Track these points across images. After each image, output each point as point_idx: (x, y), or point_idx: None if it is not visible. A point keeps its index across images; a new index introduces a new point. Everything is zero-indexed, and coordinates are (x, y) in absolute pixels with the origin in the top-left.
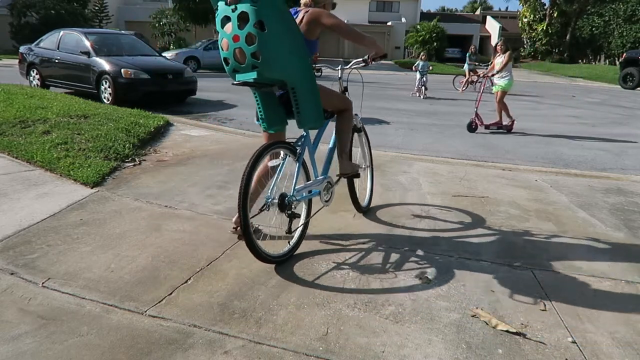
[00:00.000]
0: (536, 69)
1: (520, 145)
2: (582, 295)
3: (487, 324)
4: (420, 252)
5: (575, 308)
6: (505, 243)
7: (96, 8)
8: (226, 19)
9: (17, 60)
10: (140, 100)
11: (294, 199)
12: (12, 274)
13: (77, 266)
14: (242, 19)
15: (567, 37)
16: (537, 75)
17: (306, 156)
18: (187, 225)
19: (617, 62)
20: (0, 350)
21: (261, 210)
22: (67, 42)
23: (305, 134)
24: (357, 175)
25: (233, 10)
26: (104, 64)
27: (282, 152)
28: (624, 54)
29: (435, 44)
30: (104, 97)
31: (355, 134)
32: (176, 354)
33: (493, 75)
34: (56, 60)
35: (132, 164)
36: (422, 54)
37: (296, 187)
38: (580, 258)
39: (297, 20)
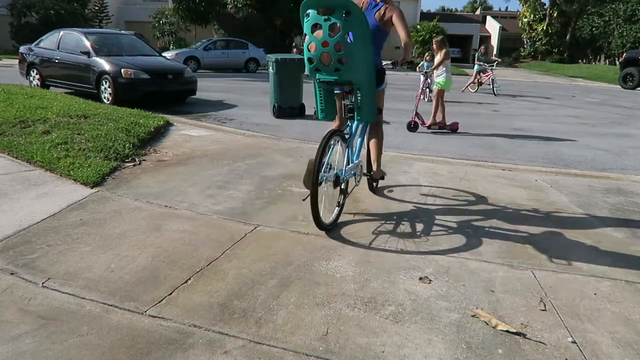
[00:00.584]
0: (536, 69)
1: (520, 145)
2: (582, 295)
3: (487, 324)
4: (419, 253)
5: (575, 308)
6: (505, 243)
7: (96, 8)
8: (316, 26)
9: (17, 60)
10: (140, 100)
11: (345, 177)
12: (12, 274)
13: (77, 266)
14: (332, 28)
15: (567, 37)
16: (537, 75)
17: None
18: (187, 225)
19: (617, 62)
20: (0, 350)
21: (320, 183)
22: (67, 42)
23: (350, 125)
24: (382, 179)
25: (325, 20)
26: (104, 64)
27: (338, 138)
28: (624, 54)
29: None
30: (104, 97)
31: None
32: (176, 354)
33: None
34: (56, 60)
35: (132, 164)
36: (426, 54)
37: (345, 168)
38: (580, 258)
39: (379, 13)
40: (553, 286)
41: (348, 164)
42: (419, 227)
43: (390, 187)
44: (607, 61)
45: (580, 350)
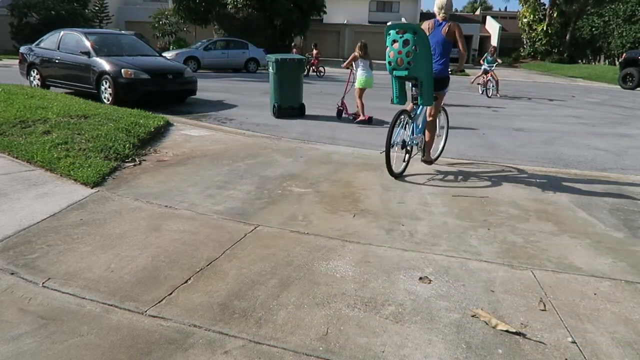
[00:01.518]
0: (536, 69)
1: (520, 145)
2: (582, 295)
3: (487, 324)
4: (419, 253)
5: (575, 308)
6: (505, 243)
7: (96, 8)
8: (394, 41)
9: (17, 61)
10: (140, 100)
11: (411, 143)
12: (12, 274)
13: (77, 266)
14: (405, 42)
15: (567, 37)
16: (536, 76)
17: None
18: (187, 225)
19: (617, 62)
20: (0, 350)
21: (393, 145)
22: (67, 42)
23: (416, 108)
24: (431, 163)
25: (400, 37)
26: (104, 64)
27: (405, 117)
28: (624, 54)
29: None
30: (104, 97)
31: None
32: (176, 354)
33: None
34: (56, 61)
35: (132, 164)
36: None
37: (411, 137)
38: (580, 258)
39: (444, 30)
40: (553, 286)
41: (412, 134)
42: (419, 227)
43: (390, 187)
44: (606, 61)
45: (580, 350)
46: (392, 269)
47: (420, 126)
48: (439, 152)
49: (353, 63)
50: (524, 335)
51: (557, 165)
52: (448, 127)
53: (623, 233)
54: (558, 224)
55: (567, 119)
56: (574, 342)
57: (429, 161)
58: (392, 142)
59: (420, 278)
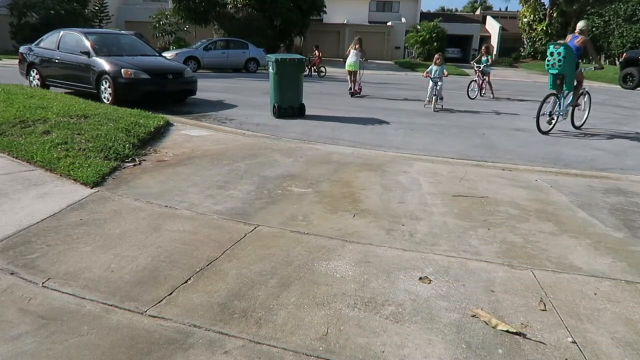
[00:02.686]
0: (536, 69)
1: (520, 145)
2: (582, 295)
3: (487, 324)
4: (419, 253)
5: (575, 308)
6: (505, 243)
7: (96, 8)
8: (551, 53)
9: (17, 60)
10: (140, 100)
11: (557, 113)
12: (12, 274)
13: (77, 266)
14: (558, 53)
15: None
16: (537, 75)
17: None
18: (187, 225)
19: (617, 62)
20: (0, 350)
21: (543, 115)
22: (67, 42)
23: (563, 92)
24: (578, 128)
25: (556, 50)
26: (104, 64)
27: (553, 98)
28: (624, 54)
29: (435, 44)
30: (104, 97)
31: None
32: (176, 354)
33: None
34: (56, 60)
35: (132, 164)
36: (436, 56)
37: (557, 110)
38: (580, 258)
39: (577, 41)
40: (553, 286)
41: (560, 108)
42: (419, 227)
43: (390, 187)
44: (607, 61)
45: (580, 350)
46: (392, 269)
47: (565, 105)
48: (583, 120)
49: (351, 51)
50: (524, 335)
51: (557, 165)
52: (590, 104)
53: (623, 233)
54: (558, 224)
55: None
56: (574, 342)
57: (575, 126)
58: (541, 112)
59: (420, 278)
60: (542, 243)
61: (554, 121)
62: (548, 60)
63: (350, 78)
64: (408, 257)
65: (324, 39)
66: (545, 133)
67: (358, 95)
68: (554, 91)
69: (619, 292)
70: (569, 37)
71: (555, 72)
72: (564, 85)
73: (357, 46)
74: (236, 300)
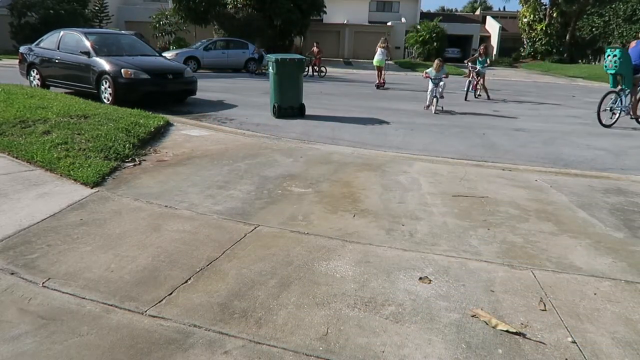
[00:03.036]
0: (536, 69)
1: (520, 145)
2: (582, 295)
3: (487, 324)
4: (419, 253)
5: (575, 308)
6: (505, 243)
7: (96, 8)
8: (608, 55)
9: (17, 60)
10: (140, 100)
11: (617, 109)
12: (12, 274)
13: (77, 266)
14: (614, 55)
15: (567, 37)
16: (536, 75)
17: None
18: (187, 225)
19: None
20: (0, 350)
21: (603, 110)
22: (67, 42)
23: (624, 90)
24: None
25: (612, 52)
26: (104, 64)
27: (614, 95)
28: None
29: (435, 44)
30: (104, 97)
31: None
32: (176, 354)
33: None
34: (56, 60)
35: (132, 164)
36: (437, 62)
37: (619, 106)
38: (580, 258)
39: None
40: (553, 286)
41: (621, 104)
42: (419, 227)
43: (390, 187)
44: None
45: (580, 350)
46: (392, 269)
47: (627, 102)
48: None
49: (378, 49)
50: (524, 335)
51: (557, 165)
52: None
53: (623, 233)
54: (558, 224)
55: (567, 119)
56: (574, 342)
57: (635, 118)
58: (601, 108)
59: (420, 278)
60: (542, 243)
61: (616, 116)
62: (605, 62)
63: (378, 73)
64: (408, 257)
65: (324, 39)
66: (608, 126)
67: (382, 87)
68: (615, 89)
69: (619, 292)
70: (633, 43)
71: (612, 72)
72: (623, 84)
73: (384, 45)
74: (236, 300)
